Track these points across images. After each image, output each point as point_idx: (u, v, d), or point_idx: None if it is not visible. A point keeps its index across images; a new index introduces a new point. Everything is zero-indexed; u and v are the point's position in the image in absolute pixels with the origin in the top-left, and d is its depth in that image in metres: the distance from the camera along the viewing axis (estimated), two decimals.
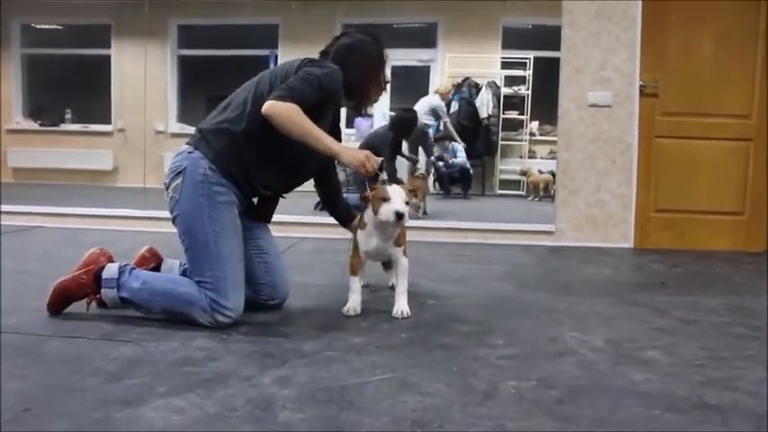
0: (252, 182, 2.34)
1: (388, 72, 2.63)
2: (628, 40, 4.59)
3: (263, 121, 2.20)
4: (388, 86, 2.66)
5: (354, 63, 2.46)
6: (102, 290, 2.24)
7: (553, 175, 6.06)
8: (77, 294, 2.28)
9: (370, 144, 6.15)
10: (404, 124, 6.26)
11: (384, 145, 6.05)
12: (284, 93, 2.21)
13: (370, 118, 8.23)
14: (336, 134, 2.55)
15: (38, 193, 7.88)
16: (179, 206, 2.25)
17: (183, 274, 2.43)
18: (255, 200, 2.48)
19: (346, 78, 2.38)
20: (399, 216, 2.20)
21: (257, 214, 2.49)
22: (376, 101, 2.66)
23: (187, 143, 2.34)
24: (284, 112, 2.18)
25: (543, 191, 8.11)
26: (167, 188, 2.30)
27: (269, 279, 2.44)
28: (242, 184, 2.33)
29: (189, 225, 2.24)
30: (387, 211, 2.22)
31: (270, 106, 2.18)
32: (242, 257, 2.30)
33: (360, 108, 2.64)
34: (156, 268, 2.50)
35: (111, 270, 2.26)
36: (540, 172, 8.53)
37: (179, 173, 2.26)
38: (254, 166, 2.31)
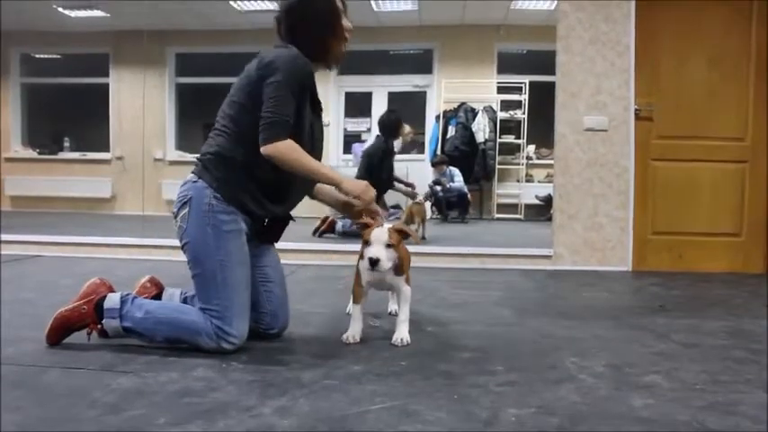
0: (260, 203, 2.34)
1: (346, 21, 2.49)
2: (622, 64, 4.63)
3: (257, 142, 2.23)
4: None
5: (305, 26, 2.40)
6: (104, 320, 2.24)
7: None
8: (78, 324, 2.28)
9: (369, 157, 6.20)
10: (390, 124, 6.45)
11: (378, 152, 6.16)
12: (271, 132, 2.22)
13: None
14: (317, 109, 2.47)
15: (36, 221, 7.88)
16: (186, 235, 2.28)
17: (184, 302, 2.43)
18: (266, 221, 2.47)
19: (302, 45, 2.35)
20: (373, 263, 2.23)
21: (267, 235, 2.49)
22: (341, 54, 2.52)
23: (192, 172, 2.35)
24: (281, 156, 2.23)
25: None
26: (175, 217, 2.32)
27: (270, 308, 2.45)
28: (249, 208, 2.33)
29: (196, 254, 2.27)
30: (365, 256, 2.26)
31: (268, 152, 2.22)
32: (248, 285, 2.32)
33: (329, 65, 2.54)
34: (158, 296, 2.49)
35: (112, 300, 2.26)
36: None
37: (185, 202, 2.29)
38: (259, 188, 2.33)
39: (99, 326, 2.26)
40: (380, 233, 2.27)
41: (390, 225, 2.35)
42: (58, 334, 2.28)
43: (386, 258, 2.24)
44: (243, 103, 2.31)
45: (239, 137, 2.31)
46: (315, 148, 2.43)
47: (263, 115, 2.24)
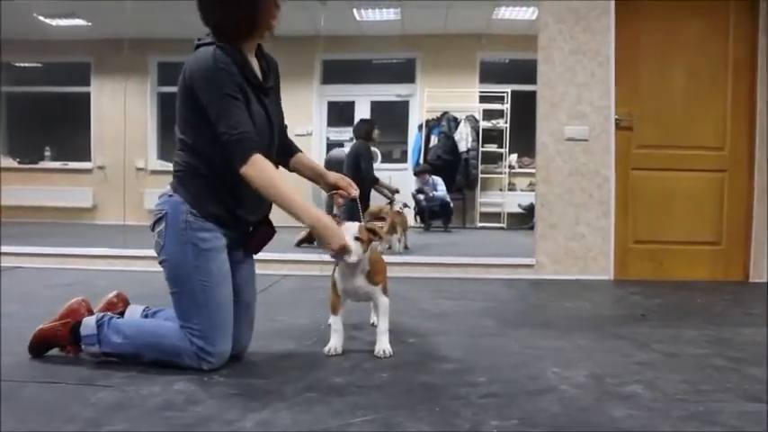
0: (235, 214, 2.26)
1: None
2: (602, 75, 4.68)
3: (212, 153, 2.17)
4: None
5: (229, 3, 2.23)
6: (83, 346, 2.23)
7: None
8: (54, 343, 2.28)
9: (356, 156, 6.25)
10: (362, 129, 6.65)
11: (363, 151, 6.32)
12: (240, 153, 2.11)
13: None
14: (263, 91, 2.32)
15: (16, 231, 7.78)
16: (165, 252, 2.21)
17: (145, 317, 2.40)
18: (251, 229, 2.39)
19: (223, 28, 2.24)
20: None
21: (247, 245, 2.38)
22: (272, 26, 2.29)
23: (170, 184, 2.30)
24: (254, 182, 2.13)
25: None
26: (152, 230, 2.26)
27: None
28: (227, 221, 2.26)
29: (175, 273, 2.20)
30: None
31: (244, 174, 2.12)
32: (230, 302, 2.24)
33: (262, 37, 2.33)
34: (124, 313, 2.43)
35: (88, 326, 2.22)
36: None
37: (161, 217, 2.22)
38: (235, 198, 2.24)
39: (75, 348, 2.25)
40: (351, 226, 2.26)
41: (362, 223, 2.33)
42: (38, 348, 2.27)
43: (353, 250, 2.20)
44: (185, 115, 2.21)
45: (195, 151, 2.22)
46: (272, 133, 2.32)
47: (221, 137, 2.12)
